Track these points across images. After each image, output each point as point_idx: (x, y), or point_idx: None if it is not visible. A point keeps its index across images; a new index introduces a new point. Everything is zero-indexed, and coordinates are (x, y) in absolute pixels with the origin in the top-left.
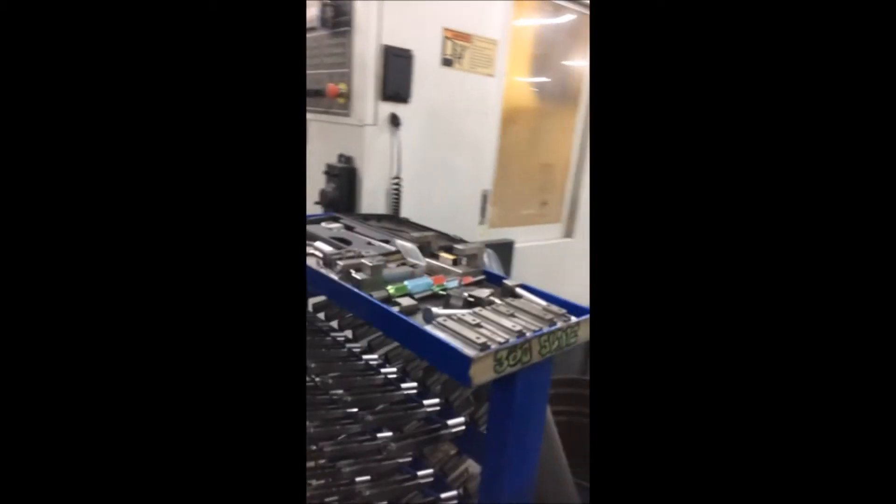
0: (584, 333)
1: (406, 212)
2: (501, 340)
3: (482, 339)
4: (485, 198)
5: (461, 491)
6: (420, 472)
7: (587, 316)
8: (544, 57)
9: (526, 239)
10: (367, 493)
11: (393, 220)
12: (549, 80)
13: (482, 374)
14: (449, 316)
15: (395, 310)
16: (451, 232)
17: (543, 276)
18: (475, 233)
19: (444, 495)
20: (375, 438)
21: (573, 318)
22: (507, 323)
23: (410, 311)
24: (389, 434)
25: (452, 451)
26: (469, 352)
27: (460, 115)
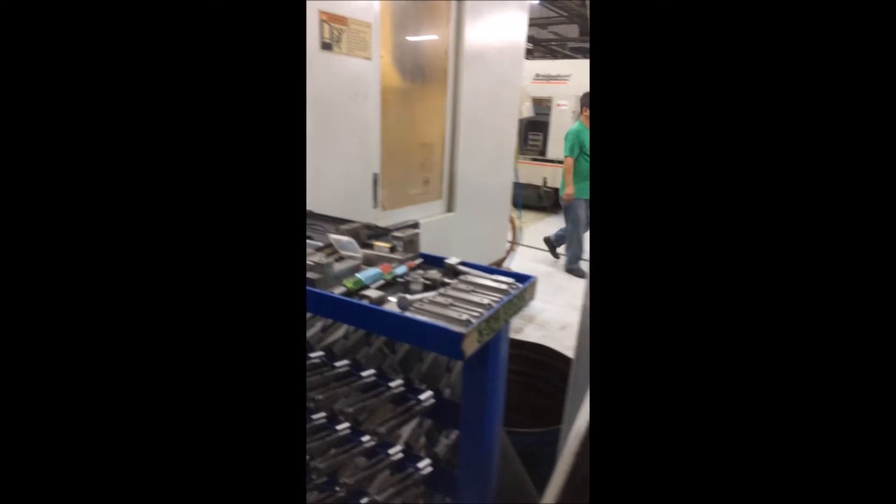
0: (529, 296)
1: None
2: (477, 314)
3: (465, 316)
4: (375, 181)
5: (431, 458)
6: (391, 451)
7: (532, 280)
8: (408, 38)
9: (415, 217)
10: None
11: None
12: (416, 60)
13: (470, 346)
14: (420, 300)
15: (365, 302)
16: (349, 217)
17: (435, 250)
18: (371, 217)
19: (420, 465)
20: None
21: (520, 286)
22: (474, 298)
23: (380, 301)
24: (341, 424)
25: (413, 424)
26: (459, 329)
27: (344, 100)
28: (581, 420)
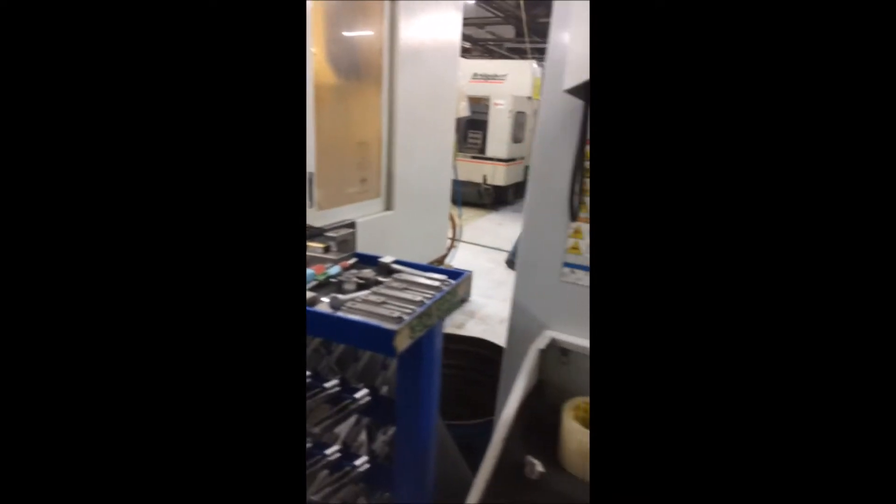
0: (462, 292)
1: None
2: (409, 311)
3: (397, 314)
4: (310, 180)
5: (369, 455)
6: (328, 451)
7: (465, 275)
8: (342, 35)
9: (353, 216)
10: None
11: None
12: (350, 58)
13: (402, 342)
14: (353, 300)
15: None
16: None
17: (374, 248)
18: (307, 216)
19: (357, 462)
20: None
21: (453, 282)
22: (407, 296)
23: (313, 302)
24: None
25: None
26: (390, 326)
27: None
28: (509, 408)
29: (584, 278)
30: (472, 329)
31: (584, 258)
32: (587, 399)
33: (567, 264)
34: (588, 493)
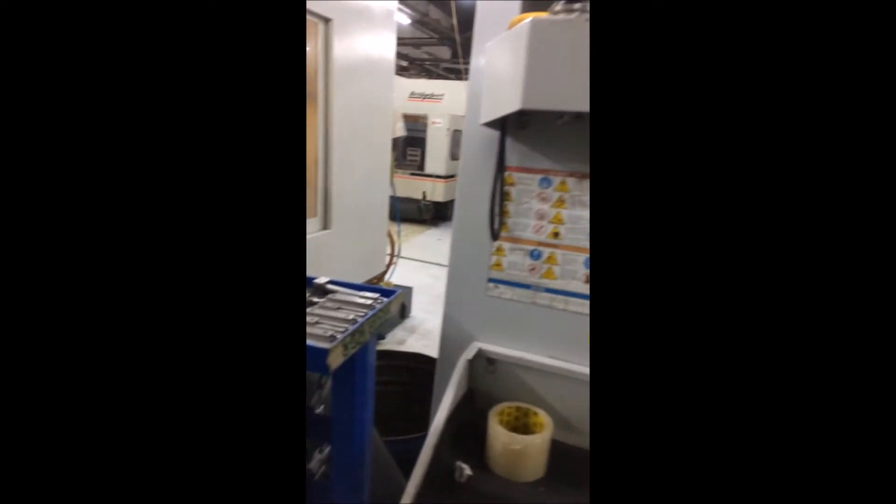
0: (394, 309)
1: None
2: (343, 330)
3: (329, 333)
4: None
5: (306, 475)
6: None
7: (398, 293)
8: None
9: None
10: None
11: None
12: None
13: (335, 360)
14: None
15: None
16: None
17: (311, 268)
18: None
19: None
20: None
21: (385, 300)
22: (340, 315)
23: None
24: None
25: None
26: (323, 345)
27: None
28: (440, 416)
29: (506, 292)
30: (414, 344)
31: (507, 274)
32: (511, 404)
33: (491, 279)
34: (511, 492)
